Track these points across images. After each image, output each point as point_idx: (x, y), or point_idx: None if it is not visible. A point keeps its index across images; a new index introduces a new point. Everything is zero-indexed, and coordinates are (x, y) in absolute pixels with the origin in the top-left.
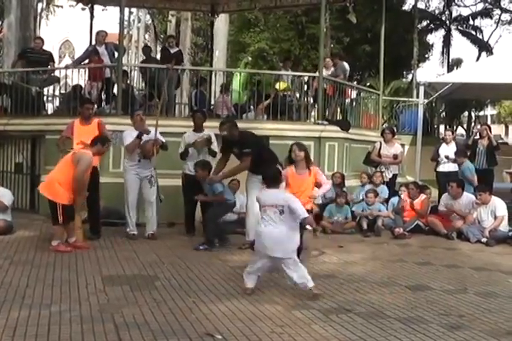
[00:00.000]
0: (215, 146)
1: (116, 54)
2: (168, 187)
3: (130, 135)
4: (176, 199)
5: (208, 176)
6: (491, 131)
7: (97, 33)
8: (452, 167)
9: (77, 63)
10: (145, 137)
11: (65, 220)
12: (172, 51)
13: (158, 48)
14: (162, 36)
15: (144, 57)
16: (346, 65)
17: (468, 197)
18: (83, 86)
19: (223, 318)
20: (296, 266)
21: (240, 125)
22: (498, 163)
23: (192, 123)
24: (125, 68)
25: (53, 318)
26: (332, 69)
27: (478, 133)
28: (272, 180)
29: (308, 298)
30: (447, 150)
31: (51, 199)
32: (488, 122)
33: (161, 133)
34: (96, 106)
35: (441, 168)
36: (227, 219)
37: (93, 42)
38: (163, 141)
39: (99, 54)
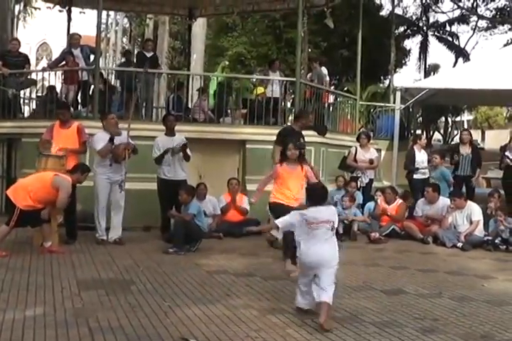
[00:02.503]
0: (189, 150)
1: (91, 57)
2: (143, 191)
3: (102, 139)
4: (152, 203)
5: (191, 201)
6: (472, 138)
7: (71, 36)
8: (427, 173)
9: (52, 66)
10: (116, 140)
11: (16, 225)
12: (148, 55)
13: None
14: (139, 39)
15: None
16: (324, 71)
17: (443, 201)
18: (58, 88)
19: (198, 322)
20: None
21: (217, 129)
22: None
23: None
24: (103, 71)
25: (28, 322)
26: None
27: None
28: (321, 197)
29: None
30: (422, 157)
31: (12, 201)
32: (465, 127)
33: (135, 136)
34: (72, 109)
35: (418, 176)
36: (202, 224)
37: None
38: (134, 144)
39: (74, 56)
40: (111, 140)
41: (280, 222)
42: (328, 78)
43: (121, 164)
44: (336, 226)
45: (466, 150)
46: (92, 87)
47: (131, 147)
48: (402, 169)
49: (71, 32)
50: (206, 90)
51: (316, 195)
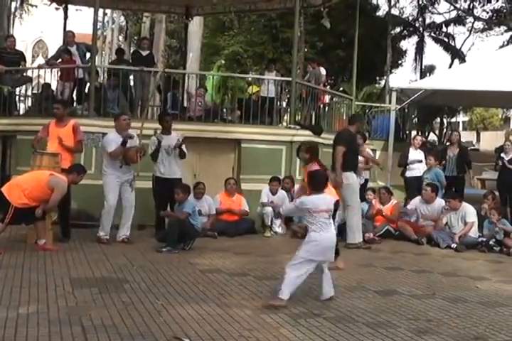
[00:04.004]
0: (185, 147)
1: (87, 54)
2: (139, 190)
3: (114, 141)
4: (147, 202)
5: (187, 199)
6: (460, 139)
7: (67, 34)
8: (421, 171)
9: (50, 63)
10: (128, 143)
11: (10, 223)
12: (144, 54)
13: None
14: (136, 38)
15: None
16: (322, 71)
17: (439, 201)
18: (54, 85)
19: (191, 321)
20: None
21: (213, 128)
22: (466, 170)
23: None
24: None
25: (21, 320)
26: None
27: (448, 140)
28: (321, 184)
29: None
30: (416, 155)
31: (6, 198)
32: (460, 129)
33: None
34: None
35: (412, 173)
36: (197, 223)
37: (65, 43)
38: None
39: (71, 54)
40: (123, 143)
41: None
42: (324, 78)
43: (130, 165)
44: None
45: (453, 151)
46: (88, 84)
47: (144, 150)
48: (396, 169)
49: (67, 29)
50: (203, 87)
51: (316, 181)
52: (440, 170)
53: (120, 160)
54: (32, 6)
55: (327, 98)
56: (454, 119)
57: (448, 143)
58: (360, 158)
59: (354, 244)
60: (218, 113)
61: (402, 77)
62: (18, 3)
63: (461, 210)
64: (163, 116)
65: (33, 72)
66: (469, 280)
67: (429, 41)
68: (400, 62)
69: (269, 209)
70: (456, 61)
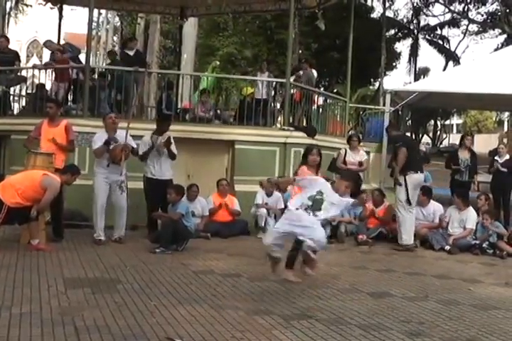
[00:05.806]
0: (174, 148)
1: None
2: (131, 190)
3: (100, 139)
4: (139, 202)
5: (180, 200)
6: (472, 143)
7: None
8: None
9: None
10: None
11: (3, 223)
12: (131, 53)
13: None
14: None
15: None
16: (314, 73)
17: (435, 205)
18: (48, 86)
19: (184, 322)
20: None
21: (206, 129)
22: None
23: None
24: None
25: (13, 320)
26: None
27: (459, 144)
28: None
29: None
30: None
31: (0, 198)
32: (454, 131)
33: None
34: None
35: None
36: (190, 224)
37: (61, 43)
38: (134, 146)
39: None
40: (106, 143)
41: None
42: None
43: (120, 165)
44: None
45: (465, 155)
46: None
47: (129, 148)
48: (389, 171)
49: (62, 29)
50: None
51: None
52: (428, 174)
53: (107, 159)
54: (27, 5)
55: (321, 100)
56: (448, 122)
57: (458, 147)
58: (353, 160)
59: (401, 245)
60: (213, 114)
61: (397, 79)
62: (13, 3)
63: (465, 214)
64: (165, 119)
65: (27, 71)
66: (462, 283)
67: (423, 43)
68: (394, 64)
69: (263, 211)
70: (451, 63)
